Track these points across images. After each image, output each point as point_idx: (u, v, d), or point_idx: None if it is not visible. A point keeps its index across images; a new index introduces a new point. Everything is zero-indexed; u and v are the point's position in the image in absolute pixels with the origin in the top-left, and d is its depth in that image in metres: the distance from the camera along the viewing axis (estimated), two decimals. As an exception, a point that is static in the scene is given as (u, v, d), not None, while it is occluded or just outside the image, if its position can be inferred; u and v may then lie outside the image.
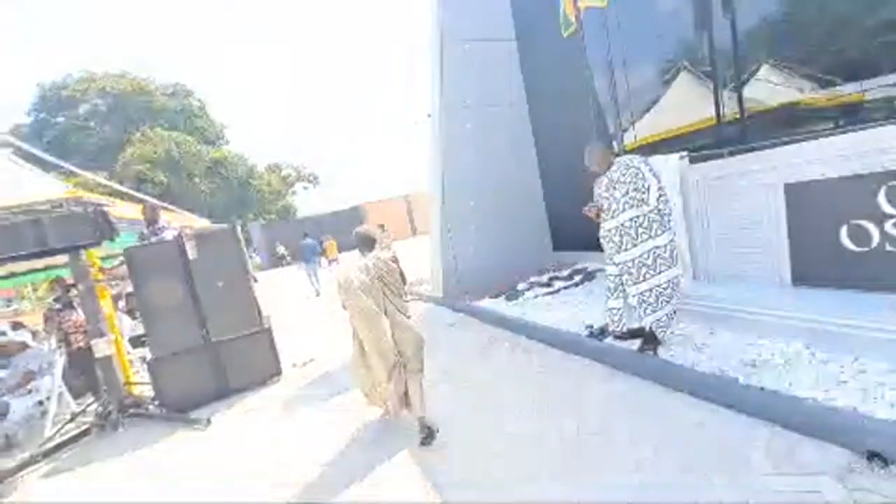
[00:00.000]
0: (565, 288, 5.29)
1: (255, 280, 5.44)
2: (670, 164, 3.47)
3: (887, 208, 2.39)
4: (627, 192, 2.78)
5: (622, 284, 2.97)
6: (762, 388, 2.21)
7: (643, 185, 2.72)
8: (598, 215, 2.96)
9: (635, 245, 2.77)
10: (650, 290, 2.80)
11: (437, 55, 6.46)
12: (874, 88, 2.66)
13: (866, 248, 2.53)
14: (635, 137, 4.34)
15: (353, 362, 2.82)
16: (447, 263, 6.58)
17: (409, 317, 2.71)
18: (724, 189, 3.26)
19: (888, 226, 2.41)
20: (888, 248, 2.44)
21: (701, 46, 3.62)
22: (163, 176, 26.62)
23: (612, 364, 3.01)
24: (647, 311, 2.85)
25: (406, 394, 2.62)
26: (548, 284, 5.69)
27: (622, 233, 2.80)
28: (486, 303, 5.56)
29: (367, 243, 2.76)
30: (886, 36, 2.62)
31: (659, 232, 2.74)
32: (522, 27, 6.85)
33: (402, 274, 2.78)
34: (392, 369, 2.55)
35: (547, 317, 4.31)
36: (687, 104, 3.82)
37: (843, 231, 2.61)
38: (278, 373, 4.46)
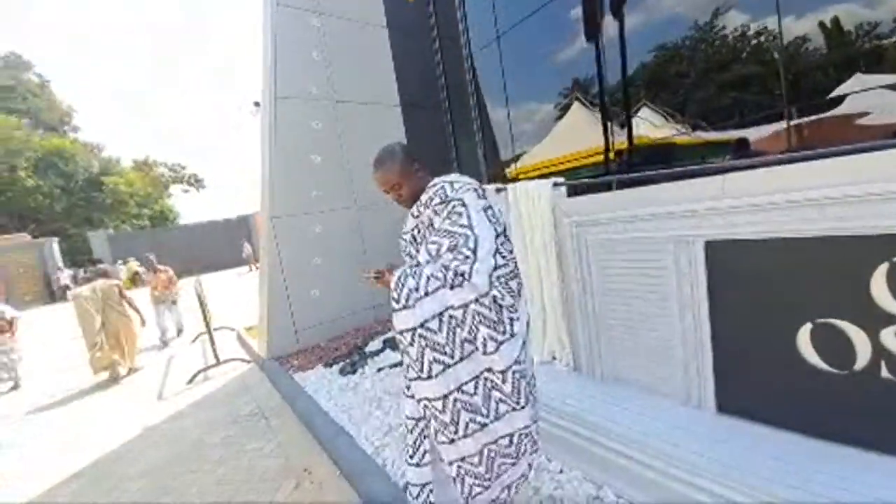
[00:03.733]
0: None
1: None
2: (540, 194, 2.17)
3: (887, 300, 1.26)
4: (439, 251, 1.34)
5: (427, 437, 1.48)
6: None
7: (467, 244, 1.29)
8: (383, 284, 1.45)
9: (448, 366, 1.31)
10: (478, 452, 1.37)
11: (268, 24, 4.69)
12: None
13: (844, 371, 1.39)
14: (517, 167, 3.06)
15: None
16: (278, 308, 4.72)
17: (126, 316, 5.12)
18: (613, 241, 2.02)
19: (888, 334, 1.28)
20: (885, 374, 1.31)
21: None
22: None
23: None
24: (475, 491, 1.40)
25: (115, 364, 4.95)
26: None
27: (424, 342, 1.31)
28: (314, 375, 3.83)
29: (101, 273, 5.26)
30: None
31: (492, 347, 1.30)
32: (393, 13, 5.43)
33: (121, 293, 5.12)
34: (96, 345, 4.81)
35: (370, 427, 2.72)
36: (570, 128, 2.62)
37: (805, 334, 1.46)
38: None
